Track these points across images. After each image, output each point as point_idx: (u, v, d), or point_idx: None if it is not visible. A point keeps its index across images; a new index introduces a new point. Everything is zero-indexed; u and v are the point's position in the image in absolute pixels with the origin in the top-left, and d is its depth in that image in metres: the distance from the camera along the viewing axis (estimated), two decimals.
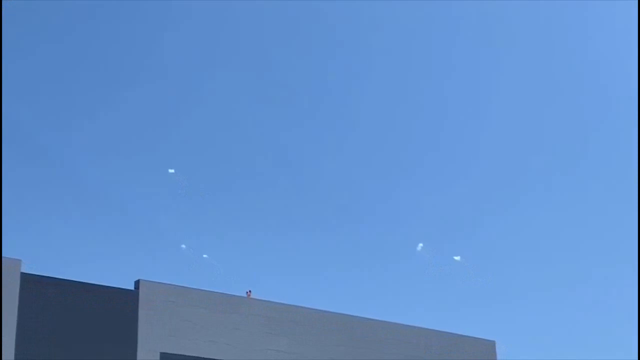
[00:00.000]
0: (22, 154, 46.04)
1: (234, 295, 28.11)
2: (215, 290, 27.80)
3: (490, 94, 53.74)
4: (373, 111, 52.55)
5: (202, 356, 26.58)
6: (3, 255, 23.92)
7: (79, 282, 25.41)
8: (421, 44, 53.29)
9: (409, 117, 53.22)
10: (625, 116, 50.64)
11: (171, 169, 46.26)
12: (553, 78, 53.59)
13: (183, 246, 44.86)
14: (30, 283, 24.35)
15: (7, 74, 38.09)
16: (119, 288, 26.15)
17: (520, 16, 53.03)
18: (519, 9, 52.29)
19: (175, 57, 51.36)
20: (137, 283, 26.41)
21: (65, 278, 25.28)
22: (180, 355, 26.25)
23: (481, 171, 53.60)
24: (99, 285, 25.74)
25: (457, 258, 45.85)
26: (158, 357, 25.86)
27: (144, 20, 52.00)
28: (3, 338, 23.32)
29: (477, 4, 51.33)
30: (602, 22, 53.24)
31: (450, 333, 31.92)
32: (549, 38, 53.53)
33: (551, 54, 52.94)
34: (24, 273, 24.36)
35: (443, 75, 53.85)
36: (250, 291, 28.79)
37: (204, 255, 44.30)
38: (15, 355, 23.59)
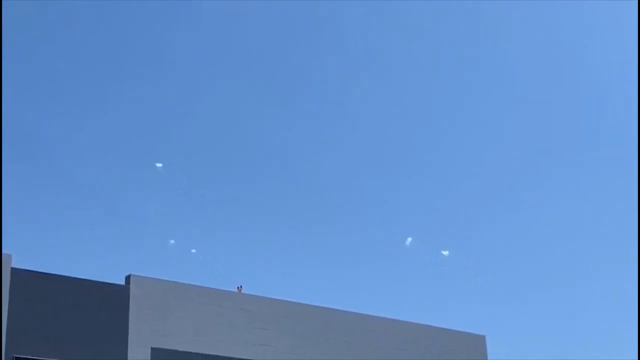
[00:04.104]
0: (11, 148, 45.91)
1: (224, 291, 28.13)
2: (206, 286, 27.81)
3: (483, 91, 53.88)
4: (364, 108, 52.61)
5: (193, 351, 26.58)
6: None
7: (70, 277, 25.37)
8: (417, 42, 53.39)
9: (400, 113, 53.30)
10: (624, 116, 50.84)
11: (159, 163, 46.29)
12: (550, 77, 53.77)
13: (172, 241, 44.87)
14: (21, 278, 24.31)
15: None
16: (110, 283, 26.13)
17: (522, 16, 53.16)
18: (523, 9, 52.40)
19: (172, 56, 51.37)
20: (127, 278, 26.38)
21: (56, 273, 25.27)
22: (171, 350, 26.24)
23: (472, 166, 53.72)
24: (89, 280, 25.70)
25: (445, 253, 45.96)
26: (149, 352, 25.85)
27: (143, 20, 51.97)
28: None
29: (481, 4, 51.43)
30: (602, 22, 53.39)
31: (441, 328, 31.98)
32: (547, 38, 53.71)
33: (551, 55, 53.09)
34: (14, 268, 24.32)
35: (436, 71, 53.95)
36: (241, 287, 28.82)
37: (192, 250, 44.35)
38: (6, 349, 23.56)
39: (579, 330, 50.07)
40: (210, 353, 26.81)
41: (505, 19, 53.04)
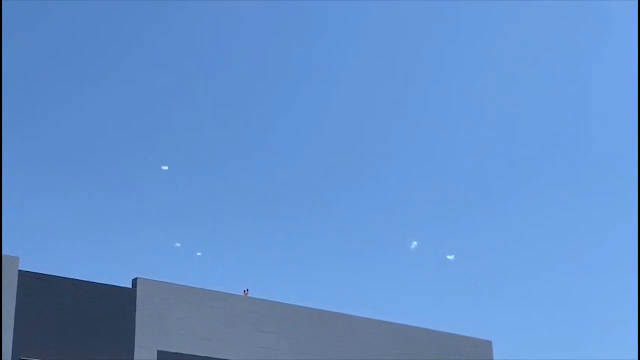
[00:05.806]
0: (20, 151, 46.04)
1: (231, 294, 28.12)
2: (212, 289, 27.83)
3: (482, 90, 53.86)
4: (366, 104, 52.64)
5: (199, 354, 26.59)
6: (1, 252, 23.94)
7: (77, 279, 25.39)
8: (408, 38, 53.40)
9: (403, 111, 53.32)
10: (623, 114, 50.80)
11: (165, 165, 46.37)
12: (545, 72, 53.74)
13: (177, 245, 44.92)
14: (28, 280, 24.35)
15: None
16: (117, 286, 26.14)
17: (506, 14, 53.21)
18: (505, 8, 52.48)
19: (170, 54, 51.46)
20: (134, 281, 26.40)
21: (63, 276, 25.28)
22: (177, 353, 26.26)
23: (479, 171, 53.73)
24: (96, 283, 25.72)
25: (450, 257, 45.98)
26: (155, 355, 25.85)
27: (137, 15, 52.04)
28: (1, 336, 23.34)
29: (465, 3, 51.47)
30: (600, 21, 53.38)
31: (446, 332, 31.92)
32: (538, 34, 53.70)
33: (543, 49, 53.08)
34: (22, 270, 24.35)
35: (441, 72, 53.95)
36: (247, 290, 28.82)
37: (198, 253, 44.39)
38: (13, 353, 23.59)
39: (585, 335, 50.05)
40: (216, 356, 26.81)
41: (491, 14, 53.20)
